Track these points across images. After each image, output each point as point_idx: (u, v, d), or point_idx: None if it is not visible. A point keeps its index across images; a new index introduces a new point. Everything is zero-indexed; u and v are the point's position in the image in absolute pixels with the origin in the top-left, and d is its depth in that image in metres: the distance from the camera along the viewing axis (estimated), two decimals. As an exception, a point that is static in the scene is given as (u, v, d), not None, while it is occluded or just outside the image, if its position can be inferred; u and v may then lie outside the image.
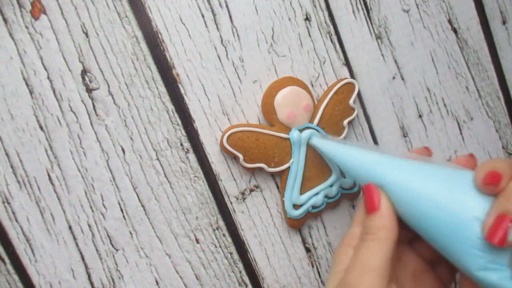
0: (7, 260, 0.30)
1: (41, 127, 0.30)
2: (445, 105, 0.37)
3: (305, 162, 0.33)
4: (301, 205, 0.33)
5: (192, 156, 0.32)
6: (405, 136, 0.37)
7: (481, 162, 0.24)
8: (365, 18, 0.35)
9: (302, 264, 0.35)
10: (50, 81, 0.30)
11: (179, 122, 0.32)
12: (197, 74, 0.32)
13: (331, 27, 0.35)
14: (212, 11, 0.32)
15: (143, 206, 0.32)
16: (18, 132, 0.30)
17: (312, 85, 0.34)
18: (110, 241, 0.31)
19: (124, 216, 0.32)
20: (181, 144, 0.32)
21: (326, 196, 0.34)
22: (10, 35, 0.29)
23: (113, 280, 0.32)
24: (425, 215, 0.24)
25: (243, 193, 0.33)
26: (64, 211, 0.31)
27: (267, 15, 0.33)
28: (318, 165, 0.33)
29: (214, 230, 0.33)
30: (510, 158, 0.39)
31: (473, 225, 0.22)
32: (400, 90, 0.36)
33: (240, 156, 0.32)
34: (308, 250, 0.35)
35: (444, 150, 0.38)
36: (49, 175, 0.30)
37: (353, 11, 0.35)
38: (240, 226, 0.33)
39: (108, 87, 0.31)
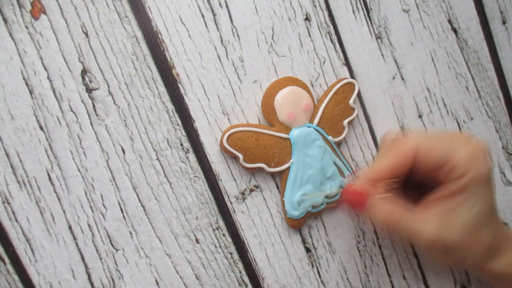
0: (7, 260, 0.30)
1: (41, 127, 0.30)
2: (445, 105, 0.37)
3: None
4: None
5: (192, 156, 0.32)
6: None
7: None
8: (365, 18, 0.35)
9: (302, 264, 0.35)
10: (50, 81, 0.30)
11: (179, 122, 0.32)
12: (197, 74, 0.32)
13: (331, 27, 0.35)
14: (212, 11, 0.32)
15: (143, 206, 0.32)
16: (18, 132, 0.30)
17: (312, 85, 0.34)
18: (110, 241, 0.31)
19: (124, 216, 0.32)
20: (181, 144, 0.32)
21: (326, 196, 0.34)
22: (10, 35, 0.30)
23: (113, 280, 0.32)
24: None
25: (243, 193, 0.33)
26: (64, 211, 0.31)
27: (267, 15, 0.33)
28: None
29: (214, 230, 0.33)
30: (510, 158, 0.39)
31: None
32: (400, 90, 0.36)
33: (240, 156, 0.32)
34: (308, 250, 0.35)
35: (444, 150, 0.38)
36: (49, 175, 0.30)
37: (353, 11, 0.35)
38: (240, 226, 0.33)
39: (108, 87, 0.31)
